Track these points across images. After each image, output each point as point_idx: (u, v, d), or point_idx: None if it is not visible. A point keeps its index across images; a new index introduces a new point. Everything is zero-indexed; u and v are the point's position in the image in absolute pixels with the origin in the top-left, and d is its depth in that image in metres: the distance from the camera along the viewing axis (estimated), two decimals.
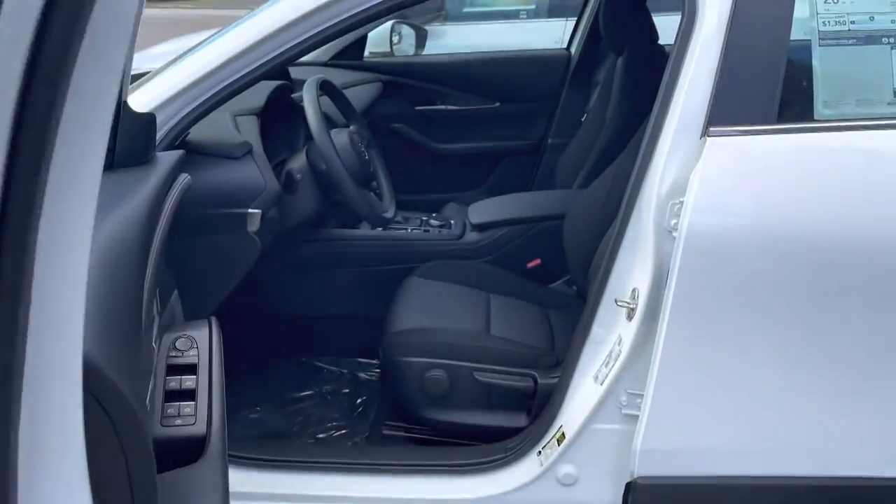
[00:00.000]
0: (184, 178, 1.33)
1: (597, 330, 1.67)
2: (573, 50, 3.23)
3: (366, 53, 3.21)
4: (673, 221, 1.49)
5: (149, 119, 1.26)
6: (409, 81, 3.18)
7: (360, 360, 2.49)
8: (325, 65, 3.13)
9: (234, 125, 1.79)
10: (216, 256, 1.70)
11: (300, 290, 2.39)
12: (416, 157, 3.21)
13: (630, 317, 1.57)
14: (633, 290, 1.58)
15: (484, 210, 2.46)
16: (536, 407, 1.86)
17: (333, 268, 2.37)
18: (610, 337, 1.66)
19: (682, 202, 1.47)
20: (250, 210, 1.67)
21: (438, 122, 3.23)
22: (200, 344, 1.20)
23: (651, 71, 2.66)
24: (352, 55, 3.14)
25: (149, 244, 1.11)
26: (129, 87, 1.90)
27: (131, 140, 1.24)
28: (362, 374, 2.42)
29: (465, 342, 1.89)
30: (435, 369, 1.87)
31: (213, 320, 1.27)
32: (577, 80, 3.13)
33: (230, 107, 1.79)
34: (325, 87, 2.04)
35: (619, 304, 1.58)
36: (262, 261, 2.29)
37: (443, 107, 3.23)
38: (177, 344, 1.19)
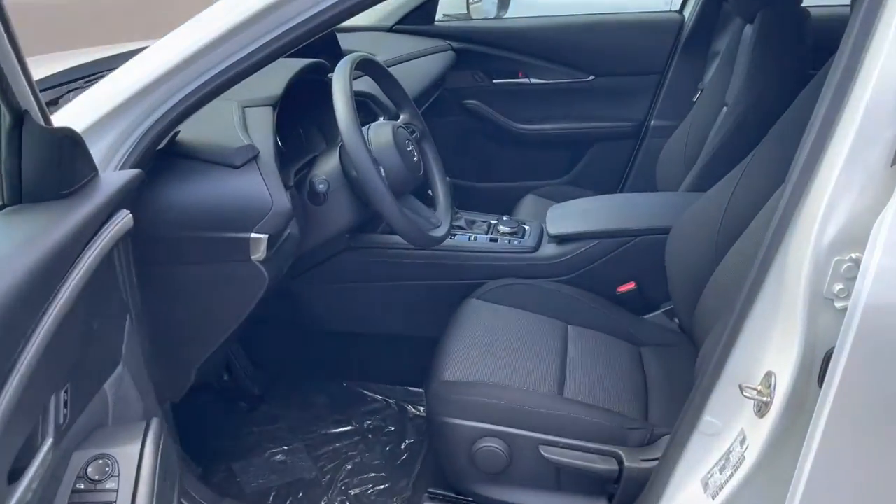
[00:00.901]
0: (122, 218, 0.95)
1: (709, 420, 1.21)
2: (687, 13, 2.67)
3: (438, 16, 2.76)
4: (838, 287, 1.01)
5: (68, 135, 0.88)
6: (488, 50, 2.71)
7: (410, 388, 2.10)
8: (389, 30, 2.70)
9: (241, 120, 1.39)
10: (212, 290, 1.33)
11: (342, 303, 2.01)
12: (491, 139, 2.76)
13: (761, 412, 1.11)
14: (768, 375, 1.10)
15: (566, 217, 1.99)
16: (621, 496, 1.42)
17: (380, 280, 1.97)
18: (728, 432, 1.19)
19: (855, 259, 0.99)
20: (253, 235, 1.28)
21: (520, 98, 2.76)
22: (123, 470, 0.83)
23: (792, 42, 2.11)
24: (421, 18, 2.69)
25: (32, 318, 0.74)
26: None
27: (43, 164, 0.86)
28: (410, 408, 2.04)
29: (530, 406, 1.46)
30: (490, 438, 1.45)
31: (155, 425, 0.89)
32: (690, 51, 2.60)
33: (239, 94, 1.40)
34: (367, 67, 1.62)
35: (745, 393, 1.11)
36: (296, 269, 1.93)
37: (526, 80, 2.74)
38: (89, 470, 0.82)
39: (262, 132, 1.39)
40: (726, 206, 1.64)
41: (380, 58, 1.80)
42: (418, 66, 2.46)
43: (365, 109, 1.92)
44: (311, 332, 2.06)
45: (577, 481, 1.46)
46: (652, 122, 2.66)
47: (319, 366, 2.12)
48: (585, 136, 2.71)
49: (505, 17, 3.01)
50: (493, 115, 2.71)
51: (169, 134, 1.20)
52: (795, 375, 1.05)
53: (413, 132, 1.67)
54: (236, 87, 1.21)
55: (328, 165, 1.55)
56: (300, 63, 1.66)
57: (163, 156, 1.25)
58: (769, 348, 1.12)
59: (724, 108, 2.25)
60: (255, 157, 1.30)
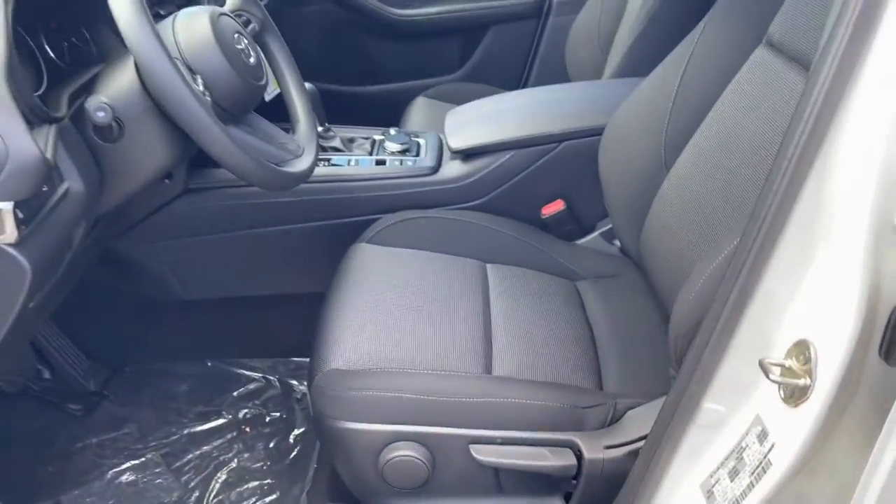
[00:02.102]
0: None
1: (709, 407, 0.85)
2: None
3: None
4: None
5: None
6: None
7: (295, 358, 1.68)
8: None
9: None
10: None
11: (191, 264, 1.54)
12: (363, 30, 2.24)
13: (795, 398, 0.75)
14: (801, 345, 0.74)
15: (469, 124, 1.55)
16: (581, 497, 1.07)
17: (236, 229, 1.50)
18: (735, 422, 0.84)
19: None
20: None
21: None
22: None
23: None
24: None
25: None
26: None
27: None
28: (297, 385, 1.61)
29: (452, 394, 1.07)
30: (403, 443, 1.06)
31: None
32: None
33: None
34: None
35: (770, 374, 0.75)
36: (118, 225, 1.43)
37: None
38: None
39: None
40: (675, 95, 1.26)
41: None
42: None
43: None
44: (157, 304, 1.58)
45: (522, 481, 1.10)
46: None
47: (174, 345, 1.66)
48: (478, 20, 2.25)
49: None
50: (363, 0, 2.18)
51: None
52: (852, 346, 0.69)
53: (248, 23, 1.17)
54: None
55: (117, 83, 1.03)
56: None
57: None
58: (799, 306, 0.75)
59: None
60: None
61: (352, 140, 1.58)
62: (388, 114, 2.02)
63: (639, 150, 1.30)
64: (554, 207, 1.48)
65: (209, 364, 1.65)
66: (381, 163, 1.52)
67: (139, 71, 1.03)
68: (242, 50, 1.08)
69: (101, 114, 0.95)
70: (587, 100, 1.55)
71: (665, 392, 1.09)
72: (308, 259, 1.53)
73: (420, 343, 1.14)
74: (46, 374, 1.54)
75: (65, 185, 0.93)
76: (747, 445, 0.82)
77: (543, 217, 1.50)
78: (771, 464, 0.78)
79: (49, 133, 0.89)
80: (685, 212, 1.17)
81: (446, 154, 1.55)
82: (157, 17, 1.17)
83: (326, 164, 1.50)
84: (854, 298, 0.68)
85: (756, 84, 1.12)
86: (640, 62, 1.61)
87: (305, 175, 1.14)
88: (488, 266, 1.38)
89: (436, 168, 1.51)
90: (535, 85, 2.22)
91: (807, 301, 0.74)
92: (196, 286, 1.57)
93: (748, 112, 1.10)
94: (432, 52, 2.29)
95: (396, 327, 1.16)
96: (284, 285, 1.57)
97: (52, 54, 1.07)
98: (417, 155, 1.55)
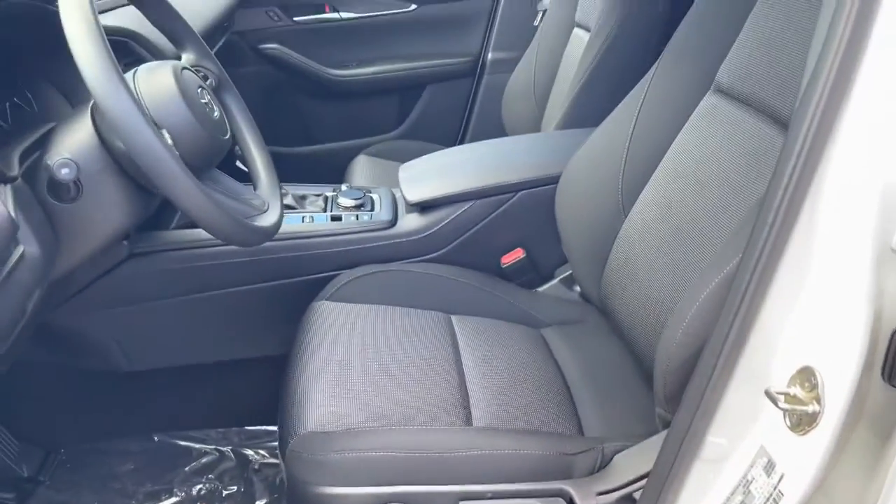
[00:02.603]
0: None
1: (711, 440, 0.85)
2: None
3: None
4: None
5: None
6: None
7: (249, 427, 1.59)
8: None
9: None
10: None
11: (134, 332, 1.45)
12: (300, 91, 2.23)
13: (802, 426, 0.75)
14: (805, 372, 0.75)
15: (423, 177, 1.55)
16: None
17: (183, 293, 1.43)
18: (738, 454, 0.84)
19: None
20: None
21: (330, 37, 2.26)
22: None
23: None
24: None
25: None
26: None
27: None
28: (253, 455, 1.53)
29: (436, 449, 1.03)
30: None
31: None
32: None
33: None
34: None
35: (778, 402, 0.75)
36: (58, 295, 1.33)
37: (335, 14, 2.23)
38: None
39: None
40: (629, 141, 1.30)
41: None
42: (191, 2, 1.87)
43: (124, 53, 1.33)
44: (98, 378, 1.47)
45: None
46: (489, 56, 2.28)
47: (117, 421, 1.54)
48: (415, 79, 2.28)
49: None
50: (300, 61, 2.19)
51: None
52: (859, 369, 0.71)
53: (206, 78, 1.14)
54: None
55: (75, 138, 0.97)
56: None
57: None
58: (800, 333, 0.76)
59: (576, 30, 1.92)
60: None
61: (304, 197, 1.55)
62: (329, 172, 2.00)
63: (595, 197, 1.33)
64: (513, 256, 1.49)
65: (156, 439, 1.54)
66: (336, 218, 1.49)
67: (97, 126, 0.98)
68: (206, 104, 1.04)
69: (65, 170, 0.89)
70: (540, 150, 1.58)
71: (650, 432, 1.10)
72: (263, 321, 1.47)
73: (396, 399, 1.10)
74: None
75: (20, 249, 0.86)
76: (753, 478, 0.82)
77: (503, 266, 1.50)
78: (783, 495, 0.78)
79: (6, 192, 0.83)
80: (648, 253, 1.19)
81: (402, 207, 1.54)
82: None
83: None
84: (859, 321, 0.70)
85: (709, 127, 1.16)
86: (584, 113, 1.66)
87: (275, 230, 1.10)
88: (453, 317, 1.36)
89: (393, 222, 1.49)
90: (472, 141, 2.26)
91: (808, 327, 0.75)
92: (141, 356, 1.47)
93: (705, 153, 1.15)
94: (370, 111, 2.30)
95: (369, 385, 1.12)
96: (237, 350, 1.50)
97: None
98: (372, 209, 1.53)
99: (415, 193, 1.48)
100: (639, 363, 1.23)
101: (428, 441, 1.03)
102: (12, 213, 0.78)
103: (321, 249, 1.44)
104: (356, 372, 1.14)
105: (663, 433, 0.99)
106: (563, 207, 1.41)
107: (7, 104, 1.07)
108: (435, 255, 1.48)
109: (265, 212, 1.11)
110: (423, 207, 1.49)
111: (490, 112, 2.23)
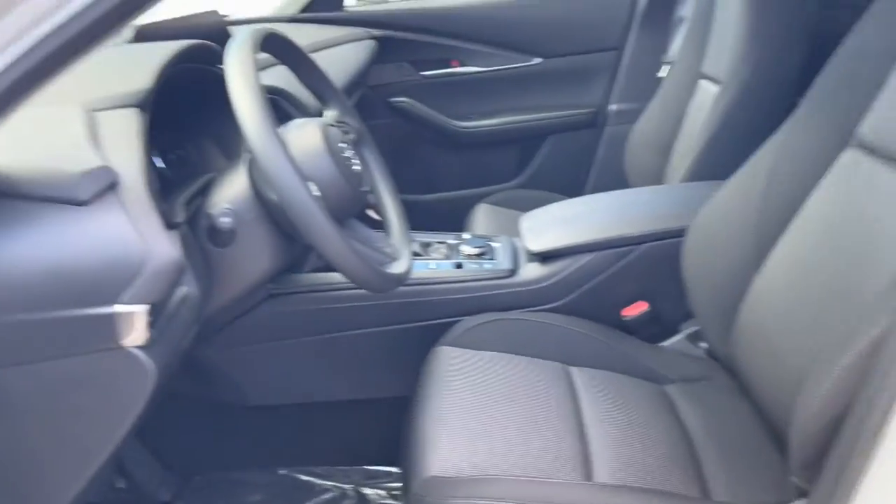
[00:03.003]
0: None
1: None
2: None
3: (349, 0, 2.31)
4: None
5: None
6: (413, 36, 2.27)
7: (370, 466, 1.64)
8: (290, 20, 2.22)
9: (88, 131, 0.90)
10: (61, 402, 0.84)
11: (269, 369, 1.53)
12: (427, 142, 2.32)
13: None
14: None
15: (546, 227, 1.57)
16: None
17: (315, 333, 1.50)
18: None
19: None
20: (118, 308, 0.80)
21: (456, 90, 2.34)
22: None
23: None
24: (328, 4, 2.22)
25: None
26: None
27: None
28: (373, 494, 1.57)
29: (560, 501, 1.03)
30: None
31: None
32: (650, 19, 2.24)
33: (84, 94, 0.91)
34: (274, 46, 1.15)
35: None
36: (202, 332, 1.44)
37: (462, 69, 2.32)
38: None
39: (124, 146, 0.91)
40: (761, 198, 1.27)
41: None
42: (332, 60, 2.00)
43: (273, 108, 1.45)
44: (231, 410, 1.57)
45: None
46: (613, 107, 2.29)
47: (248, 453, 1.63)
48: (537, 130, 2.32)
49: None
50: (427, 114, 2.28)
51: None
52: None
53: (347, 132, 1.22)
54: (78, 83, 0.74)
55: (233, 189, 1.07)
56: (177, 46, 1.16)
57: None
58: None
59: (702, 81, 1.90)
60: (114, 186, 0.82)
61: (428, 244, 1.61)
62: (449, 221, 2.05)
63: (726, 252, 1.31)
64: (636, 309, 1.47)
65: (281, 472, 1.61)
66: (458, 266, 1.53)
67: (252, 176, 1.07)
68: (348, 158, 1.12)
69: (225, 219, 0.98)
70: (664, 202, 1.57)
71: (781, 500, 1.05)
72: (386, 363, 1.52)
73: (518, 449, 1.11)
74: (121, 484, 1.51)
75: (184, 289, 0.95)
76: None
77: (623, 318, 1.48)
78: None
79: (175, 238, 0.92)
80: (781, 312, 1.16)
81: (522, 257, 1.56)
82: None
83: None
84: None
85: (850, 183, 1.13)
86: (712, 165, 1.64)
87: (406, 276, 1.16)
88: (572, 369, 1.36)
89: (514, 270, 1.52)
90: (594, 192, 2.26)
91: None
92: (270, 392, 1.56)
93: (845, 210, 1.11)
94: (491, 161, 2.36)
95: (490, 433, 1.14)
96: (361, 390, 1.56)
97: (163, 165, 1.12)
98: (493, 258, 1.56)
99: (537, 243, 1.51)
100: (769, 426, 1.18)
101: (550, 493, 1.03)
102: (177, 257, 0.86)
103: (444, 296, 1.49)
104: (476, 419, 1.16)
105: (798, 503, 0.95)
106: (691, 261, 1.39)
107: (173, 156, 1.18)
108: (554, 304, 1.49)
109: (396, 259, 1.17)
110: (544, 257, 1.51)
111: (613, 163, 2.23)
